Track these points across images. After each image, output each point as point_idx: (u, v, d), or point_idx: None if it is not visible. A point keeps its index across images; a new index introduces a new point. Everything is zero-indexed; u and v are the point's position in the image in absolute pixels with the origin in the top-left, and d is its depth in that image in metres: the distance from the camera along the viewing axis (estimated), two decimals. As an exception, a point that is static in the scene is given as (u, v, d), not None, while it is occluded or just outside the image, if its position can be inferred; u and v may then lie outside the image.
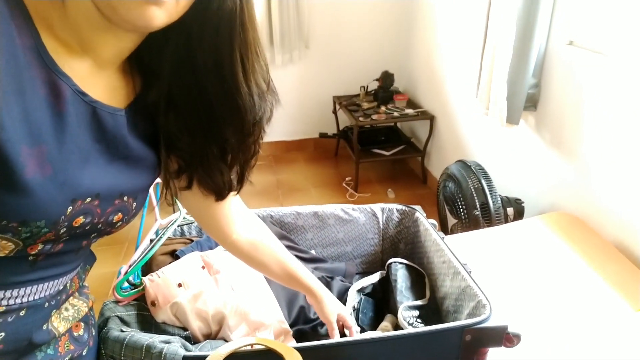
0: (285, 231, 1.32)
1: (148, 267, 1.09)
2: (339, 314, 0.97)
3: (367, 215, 1.34)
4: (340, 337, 0.96)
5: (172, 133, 0.63)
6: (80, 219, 0.54)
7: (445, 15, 2.66)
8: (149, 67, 0.61)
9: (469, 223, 1.84)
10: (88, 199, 0.54)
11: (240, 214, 0.85)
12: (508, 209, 1.86)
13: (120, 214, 0.60)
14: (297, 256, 1.27)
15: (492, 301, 0.93)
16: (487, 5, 1.90)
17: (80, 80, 0.52)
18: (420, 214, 1.30)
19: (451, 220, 2.03)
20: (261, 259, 0.89)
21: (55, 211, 0.50)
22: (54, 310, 0.62)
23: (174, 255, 1.13)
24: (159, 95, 0.61)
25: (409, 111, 2.93)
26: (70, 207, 0.52)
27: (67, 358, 0.65)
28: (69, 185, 0.51)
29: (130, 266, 0.99)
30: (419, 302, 1.10)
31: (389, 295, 1.19)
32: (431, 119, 2.86)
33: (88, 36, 0.51)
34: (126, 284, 0.98)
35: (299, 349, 0.80)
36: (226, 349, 0.81)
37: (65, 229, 0.53)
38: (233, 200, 0.81)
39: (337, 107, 3.17)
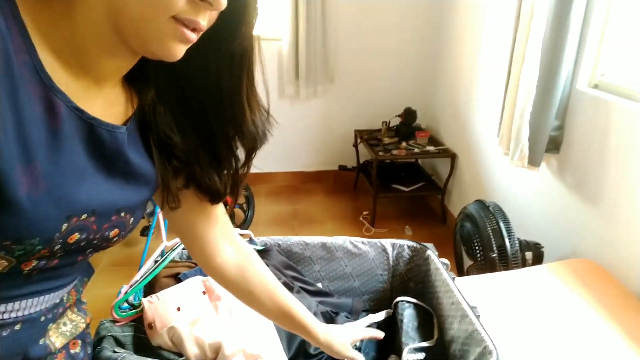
0: (292, 261, 1.30)
1: (151, 288, 1.08)
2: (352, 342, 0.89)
3: (376, 250, 1.31)
4: None
5: (162, 132, 0.63)
6: (76, 236, 0.54)
7: (470, 54, 2.66)
8: (144, 76, 0.61)
9: (485, 265, 1.78)
10: (84, 216, 0.54)
11: (228, 237, 0.80)
12: (526, 253, 1.80)
13: (117, 229, 0.60)
14: (302, 288, 1.25)
15: (500, 348, 0.88)
16: (511, 44, 1.89)
17: (77, 97, 0.51)
18: (431, 252, 1.26)
19: (467, 262, 1.97)
20: (249, 288, 0.81)
21: (50, 228, 0.50)
22: (51, 324, 0.61)
23: (177, 279, 1.12)
24: (152, 99, 0.62)
25: (430, 148, 2.91)
26: (66, 224, 0.51)
27: None
28: (64, 203, 0.51)
29: (131, 286, 0.98)
30: (425, 344, 1.05)
31: (394, 335, 1.14)
32: (452, 157, 2.83)
33: (93, 57, 0.51)
34: (125, 304, 0.97)
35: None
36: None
37: (60, 246, 0.52)
38: (222, 222, 0.78)
39: (358, 140, 3.17)
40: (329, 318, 1.20)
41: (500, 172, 2.32)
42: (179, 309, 0.99)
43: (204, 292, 1.05)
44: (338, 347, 0.87)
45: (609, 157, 1.58)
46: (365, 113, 3.30)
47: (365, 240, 1.31)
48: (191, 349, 0.97)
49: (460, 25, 2.82)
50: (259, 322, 1.07)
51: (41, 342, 0.59)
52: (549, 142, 1.81)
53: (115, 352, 0.84)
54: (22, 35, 0.45)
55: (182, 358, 0.96)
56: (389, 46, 3.17)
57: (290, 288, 1.21)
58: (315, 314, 1.17)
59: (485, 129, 2.46)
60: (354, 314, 1.26)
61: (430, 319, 1.14)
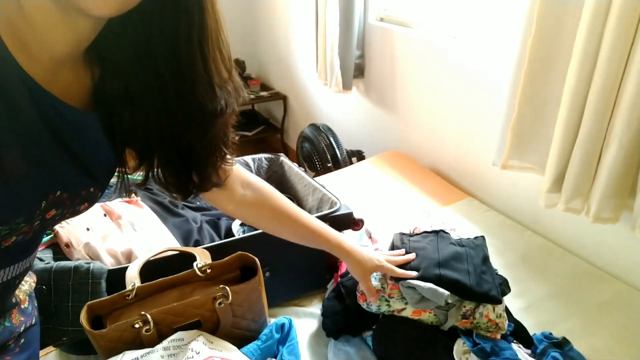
0: (171, 188, 1.52)
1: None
2: (375, 269, 0.97)
3: (242, 165, 1.60)
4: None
5: (125, 129, 0.62)
6: (53, 212, 0.57)
7: (282, 5, 3.01)
8: (107, 58, 0.59)
9: (324, 173, 2.22)
10: (58, 192, 0.56)
11: (237, 180, 0.84)
12: (353, 159, 2.28)
13: (86, 203, 0.63)
14: (185, 205, 1.48)
15: (342, 200, 1.28)
16: (315, -8, 2.28)
17: (41, 78, 0.51)
18: (284, 158, 1.61)
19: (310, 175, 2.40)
20: (271, 223, 0.91)
21: (31, 207, 0.53)
22: (19, 284, 0.69)
23: (74, 214, 1.25)
24: (116, 89, 0.59)
25: (263, 94, 3.24)
26: (44, 202, 0.54)
27: (22, 327, 0.72)
28: (40, 183, 0.53)
29: (38, 219, 1.11)
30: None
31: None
32: (284, 98, 3.21)
33: (44, 30, 0.49)
34: (36, 235, 1.10)
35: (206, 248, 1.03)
36: (144, 258, 1.01)
37: (39, 222, 0.56)
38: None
39: (196, 96, 3.34)
40: (214, 224, 1.46)
41: (323, 100, 2.77)
42: (88, 229, 1.15)
43: (105, 215, 1.22)
44: (360, 273, 0.96)
45: (397, 74, 2.10)
46: (197, 69, 3.45)
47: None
48: (107, 260, 1.15)
49: (270, -21, 3.13)
50: (157, 230, 1.29)
51: (13, 300, 0.69)
52: (356, 69, 2.27)
53: (45, 262, 0.99)
54: None
55: (101, 267, 1.14)
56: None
57: (175, 206, 1.44)
58: (201, 222, 1.43)
59: (306, 67, 2.87)
60: (230, 219, 1.55)
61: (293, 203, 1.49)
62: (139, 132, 0.62)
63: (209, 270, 0.95)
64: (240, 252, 0.97)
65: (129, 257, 1.19)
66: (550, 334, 1.07)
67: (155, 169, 0.68)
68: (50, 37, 0.50)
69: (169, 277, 0.94)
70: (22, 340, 0.72)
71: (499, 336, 1.01)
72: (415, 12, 2.03)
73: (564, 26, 1.17)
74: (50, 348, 1.09)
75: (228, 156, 0.73)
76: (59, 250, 1.11)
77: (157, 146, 0.64)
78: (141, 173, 0.70)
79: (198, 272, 0.94)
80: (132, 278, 0.95)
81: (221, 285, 0.90)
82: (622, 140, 1.07)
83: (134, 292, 0.91)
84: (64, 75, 0.55)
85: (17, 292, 0.70)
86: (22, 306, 0.73)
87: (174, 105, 0.60)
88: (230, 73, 0.62)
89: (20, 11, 0.47)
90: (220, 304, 0.89)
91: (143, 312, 0.86)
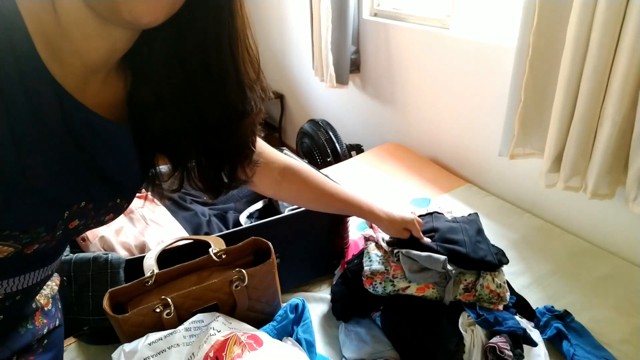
0: (178, 183, 1.55)
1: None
2: (407, 224, 1.06)
3: (244, 160, 1.63)
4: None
5: (157, 136, 0.62)
6: (76, 222, 0.56)
7: (275, 5, 3.05)
8: (139, 65, 0.58)
9: (325, 168, 2.25)
10: (82, 203, 0.55)
11: (276, 167, 0.91)
12: (352, 153, 2.32)
13: (112, 214, 0.62)
14: (193, 200, 1.52)
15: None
16: (309, -9, 2.31)
17: (72, 88, 0.50)
18: (287, 151, 1.64)
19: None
20: (309, 202, 1.01)
21: (54, 217, 0.52)
22: (40, 290, 0.70)
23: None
24: (148, 95, 0.59)
25: (260, 93, 3.27)
26: (67, 212, 0.54)
27: (45, 329, 0.72)
28: (64, 194, 0.53)
29: (53, 215, 1.14)
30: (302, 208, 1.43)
31: (275, 214, 1.50)
32: (281, 97, 3.25)
33: (80, 41, 0.48)
34: (53, 230, 1.13)
35: (220, 236, 1.07)
36: (160, 247, 1.04)
37: (61, 231, 0.55)
38: (262, 164, 0.83)
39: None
40: (221, 217, 1.50)
41: (321, 97, 2.81)
42: (102, 224, 1.18)
43: (117, 210, 1.25)
44: (394, 232, 1.07)
45: (393, 68, 2.14)
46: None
47: (233, 154, 1.63)
48: (121, 253, 1.18)
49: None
50: (168, 223, 1.32)
51: (33, 305, 0.69)
52: (351, 64, 2.31)
53: (64, 255, 1.02)
54: (20, 27, 0.44)
55: (116, 260, 1.17)
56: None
57: (184, 200, 1.47)
58: (209, 215, 1.46)
59: (302, 65, 2.90)
60: (238, 212, 1.58)
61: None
62: (171, 137, 0.62)
63: (224, 256, 0.99)
64: (253, 237, 1.01)
65: (142, 249, 1.23)
66: (552, 307, 1.11)
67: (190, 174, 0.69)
68: (86, 47, 0.49)
69: (186, 263, 0.97)
70: (46, 341, 0.74)
71: (501, 307, 1.05)
72: (408, 5, 2.07)
73: (564, 13, 1.19)
74: (71, 339, 1.12)
75: (255, 156, 0.73)
76: (76, 243, 1.14)
77: (189, 150, 0.65)
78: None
79: (214, 257, 0.97)
80: (151, 266, 0.98)
81: (237, 269, 0.94)
82: (614, 119, 1.11)
83: (153, 279, 0.94)
84: (95, 85, 0.54)
85: (37, 297, 0.70)
86: (45, 308, 0.74)
87: (205, 107, 0.60)
88: (258, 74, 0.61)
89: (57, 22, 0.47)
90: (237, 286, 0.93)
91: (163, 297, 0.89)
